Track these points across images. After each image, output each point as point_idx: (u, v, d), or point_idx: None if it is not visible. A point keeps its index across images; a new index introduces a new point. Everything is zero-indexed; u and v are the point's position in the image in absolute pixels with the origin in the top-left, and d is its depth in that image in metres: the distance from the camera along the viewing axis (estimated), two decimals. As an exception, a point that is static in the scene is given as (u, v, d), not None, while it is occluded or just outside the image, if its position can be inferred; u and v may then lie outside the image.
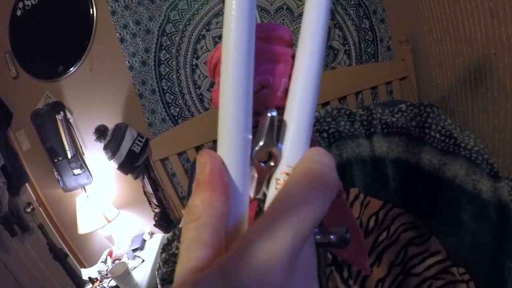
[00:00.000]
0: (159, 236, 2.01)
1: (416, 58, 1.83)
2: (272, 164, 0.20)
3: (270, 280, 0.16)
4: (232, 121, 0.19)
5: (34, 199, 2.02)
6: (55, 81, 1.79)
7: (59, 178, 1.81)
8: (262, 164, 0.20)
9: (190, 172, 1.74)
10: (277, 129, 0.21)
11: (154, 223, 1.91)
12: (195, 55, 1.77)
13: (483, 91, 1.48)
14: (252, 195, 0.21)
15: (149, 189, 1.89)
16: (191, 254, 0.19)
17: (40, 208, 2.03)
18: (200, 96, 1.84)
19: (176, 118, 1.87)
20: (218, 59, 0.24)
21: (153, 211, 1.93)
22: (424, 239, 0.95)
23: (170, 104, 1.84)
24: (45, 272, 2.26)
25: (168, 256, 1.44)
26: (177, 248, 1.47)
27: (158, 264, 1.51)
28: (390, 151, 1.16)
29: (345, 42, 1.83)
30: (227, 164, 0.20)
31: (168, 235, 1.60)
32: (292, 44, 0.25)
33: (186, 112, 1.86)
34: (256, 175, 0.21)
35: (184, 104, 1.85)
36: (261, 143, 0.20)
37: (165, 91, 1.81)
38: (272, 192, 0.21)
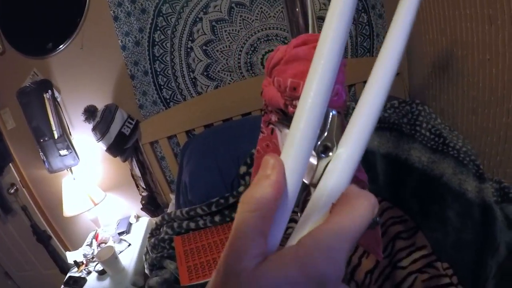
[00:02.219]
0: (146, 220, 2.00)
1: (410, 56, 1.85)
2: (330, 154, 0.23)
3: (332, 283, 0.19)
4: (310, 116, 0.22)
5: (18, 180, 1.97)
6: (43, 58, 1.73)
7: (45, 159, 1.77)
8: (322, 154, 0.23)
9: (181, 157, 1.73)
10: (336, 126, 0.24)
11: (141, 206, 1.89)
12: (190, 38, 1.74)
13: (474, 93, 1.51)
14: (307, 181, 0.24)
15: (137, 172, 1.87)
16: (249, 241, 0.20)
17: (24, 189, 1.99)
18: (194, 80, 1.82)
19: (168, 101, 1.85)
20: (278, 59, 0.27)
21: (141, 195, 1.92)
22: (411, 233, 0.98)
23: (162, 87, 1.82)
24: (28, 254, 2.23)
25: (157, 241, 1.45)
26: (166, 233, 1.47)
27: (146, 249, 1.51)
28: (380, 146, 1.18)
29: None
30: (294, 154, 0.22)
31: (156, 219, 1.60)
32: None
33: (178, 96, 1.84)
34: (315, 163, 0.23)
35: (177, 87, 1.83)
36: (324, 135, 0.23)
37: (158, 73, 1.79)
38: (325, 185, 0.23)
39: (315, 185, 0.23)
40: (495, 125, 1.44)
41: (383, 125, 1.18)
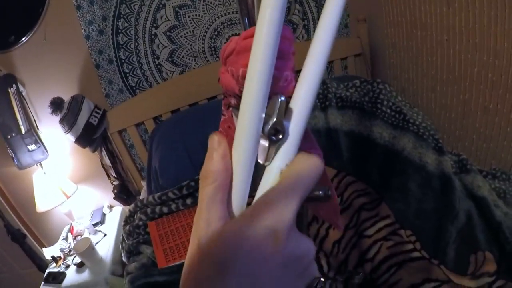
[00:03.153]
0: (119, 209, 1.99)
1: (372, 37, 1.91)
2: (280, 137, 0.26)
3: (281, 232, 0.22)
4: (254, 103, 0.25)
5: (-13, 178, 1.91)
6: (5, 52, 1.66)
7: (13, 155, 1.71)
8: (273, 137, 0.26)
9: (149, 144, 1.73)
10: (285, 111, 0.26)
11: (114, 196, 1.88)
12: (154, 24, 1.72)
13: (433, 72, 1.58)
14: (261, 161, 0.27)
15: (107, 161, 1.85)
16: (211, 211, 0.24)
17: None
18: (159, 66, 1.81)
19: (134, 88, 1.83)
20: (231, 50, 0.29)
21: (112, 184, 1.90)
22: (375, 204, 1.04)
23: (127, 75, 1.79)
24: (4, 255, 2.17)
25: (132, 228, 1.46)
26: (140, 219, 1.48)
27: (121, 237, 1.51)
28: (343, 124, 1.23)
29: (305, 17, 1.87)
30: (245, 136, 0.25)
31: (129, 207, 1.61)
32: (293, 41, 0.30)
33: (144, 83, 1.83)
34: (267, 145, 0.26)
35: (142, 75, 1.81)
36: (273, 120, 0.25)
37: (123, 61, 1.76)
38: (275, 166, 0.27)
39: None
40: (453, 102, 1.52)
41: (345, 104, 1.23)
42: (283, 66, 0.28)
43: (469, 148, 1.50)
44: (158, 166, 1.58)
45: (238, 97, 0.31)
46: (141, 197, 1.74)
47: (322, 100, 1.26)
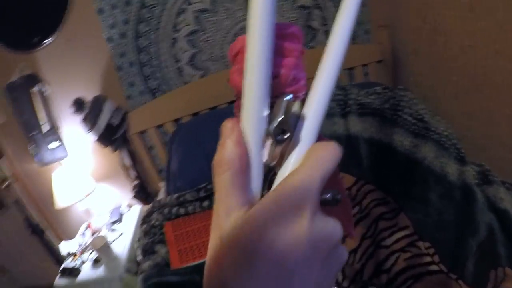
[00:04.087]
0: (137, 208, 2.02)
1: (393, 43, 1.89)
2: (285, 137, 0.25)
3: (307, 210, 0.22)
4: (254, 99, 0.25)
5: (10, 174, 1.96)
6: (30, 53, 1.72)
7: (35, 153, 1.77)
8: (278, 137, 0.25)
9: (169, 146, 1.75)
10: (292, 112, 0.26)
11: (133, 195, 1.91)
12: (175, 29, 1.75)
13: (455, 79, 1.55)
14: (268, 162, 0.26)
15: (127, 161, 1.89)
16: (231, 198, 0.23)
17: (16, 184, 1.98)
18: (179, 70, 1.83)
19: (155, 91, 1.86)
20: (238, 49, 0.29)
21: (131, 184, 1.93)
22: (394, 214, 1.02)
23: (148, 77, 1.82)
24: (22, 249, 2.22)
25: (149, 227, 1.47)
26: (157, 219, 1.50)
27: (138, 236, 1.53)
28: (364, 131, 1.21)
29: (325, 23, 1.86)
30: (248, 132, 0.25)
31: (147, 207, 1.63)
32: (302, 39, 0.30)
33: (165, 86, 1.86)
34: (270, 145, 0.26)
35: (163, 78, 1.84)
36: (279, 119, 0.25)
37: (144, 63, 1.79)
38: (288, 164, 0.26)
39: (275, 167, 0.27)
40: (477, 110, 1.48)
41: (366, 111, 1.21)
42: (287, 64, 0.28)
43: (491, 159, 1.46)
44: (177, 168, 1.60)
45: None
46: (158, 198, 1.76)
47: (343, 106, 1.25)
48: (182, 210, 1.48)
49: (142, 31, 1.73)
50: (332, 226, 0.24)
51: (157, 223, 1.47)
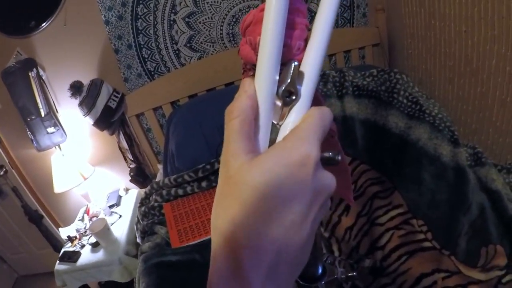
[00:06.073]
0: (135, 192, 2.04)
1: (390, 27, 1.89)
2: (293, 98, 0.28)
3: (311, 160, 0.24)
4: (268, 64, 0.27)
5: (7, 161, 1.96)
6: (26, 37, 1.70)
7: (33, 138, 1.76)
8: (287, 98, 0.28)
9: (167, 128, 1.76)
10: (298, 75, 0.29)
11: (130, 178, 1.93)
12: (173, 11, 1.74)
13: (451, 64, 1.56)
14: (276, 122, 0.29)
15: (124, 145, 1.89)
16: (237, 143, 0.25)
17: (13, 171, 1.99)
18: (177, 52, 1.83)
19: (152, 73, 1.86)
20: (250, 22, 0.32)
21: (129, 167, 1.95)
22: (388, 193, 1.04)
23: (146, 59, 1.82)
24: (21, 236, 2.25)
25: (147, 209, 1.49)
26: (156, 201, 1.52)
27: (136, 218, 1.55)
28: (359, 112, 1.23)
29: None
30: (261, 91, 0.28)
31: (145, 189, 1.64)
32: (306, 14, 0.32)
33: (163, 68, 1.86)
34: (280, 105, 0.29)
35: (161, 60, 1.84)
36: (287, 82, 0.28)
37: (142, 46, 1.79)
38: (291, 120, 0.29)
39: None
40: (471, 94, 1.50)
41: (362, 92, 1.23)
42: (296, 36, 0.31)
43: (484, 142, 1.49)
44: (174, 149, 1.61)
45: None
46: (156, 180, 1.77)
47: (339, 88, 1.26)
48: (180, 191, 1.50)
49: (140, 13, 1.72)
50: (330, 179, 0.26)
51: (156, 204, 1.48)
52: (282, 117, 0.29)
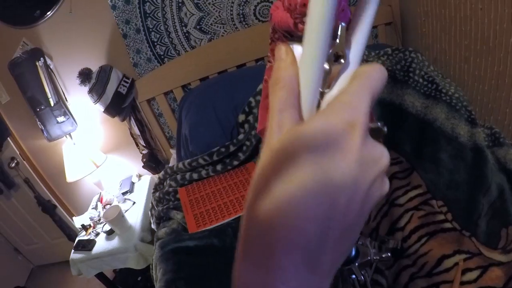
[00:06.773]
0: (147, 178, 2.04)
1: (403, 5, 1.84)
2: (342, 61, 0.27)
3: (358, 126, 0.22)
4: (323, 24, 0.25)
5: (18, 153, 1.98)
6: (32, 27, 1.68)
7: (43, 128, 1.77)
8: (335, 62, 0.27)
9: (179, 112, 1.75)
10: (346, 39, 0.27)
11: (143, 164, 1.92)
12: (181, -9, 1.70)
13: (466, 42, 1.52)
14: (321, 88, 0.27)
15: (136, 130, 1.89)
16: (284, 114, 0.24)
17: (25, 162, 2.00)
18: (187, 34, 1.80)
19: (162, 57, 1.83)
20: None
21: (141, 153, 1.94)
22: (407, 174, 1.03)
23: (155, 43, 1.79)
24: (35, 226, 2.28)
25: (162, 194, 1.49)
26: (170, 186, 1.52)
27: (151, 204, 1.55)
28: None
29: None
30: (311, 58, 0.25)
31: (159, 174, 1.64)
32: None
33: (172, 51, 1.83)
34: (328, 69, 0.27)
35: (170, 43, 1.81)
36: (335, 45, 0.26)
37: (150, 30, 1.76)
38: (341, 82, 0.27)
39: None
40: (487, 73, 1.47)
41: None
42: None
43: (502, 122, 1.46)
44: (188, 133, 1.60)
45: (289, 35, 0.32)
46: (170, 165, 1.76)
47: (353, 67, 1.24)
48: (195, 175, 1.49)
49: (148, -5, 1.68)
50: (380, 152, 0.24)
51: (170, 189, 1.48)
52: (329, 83, 0.27)
